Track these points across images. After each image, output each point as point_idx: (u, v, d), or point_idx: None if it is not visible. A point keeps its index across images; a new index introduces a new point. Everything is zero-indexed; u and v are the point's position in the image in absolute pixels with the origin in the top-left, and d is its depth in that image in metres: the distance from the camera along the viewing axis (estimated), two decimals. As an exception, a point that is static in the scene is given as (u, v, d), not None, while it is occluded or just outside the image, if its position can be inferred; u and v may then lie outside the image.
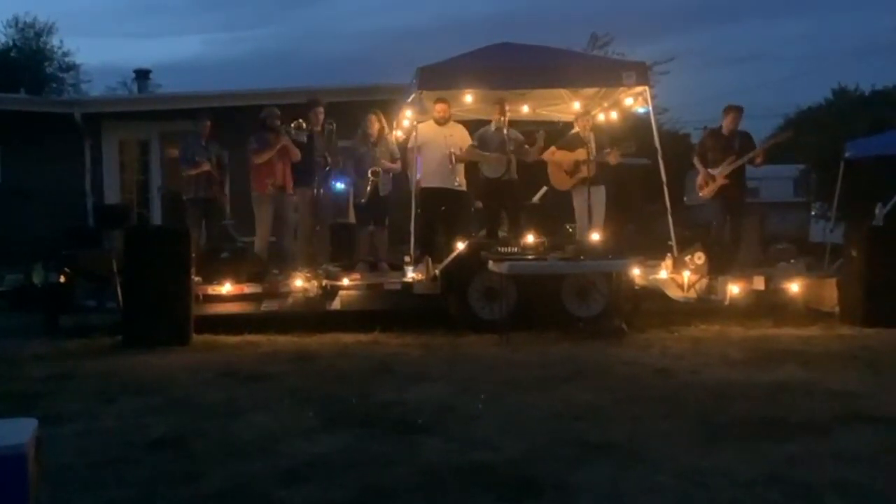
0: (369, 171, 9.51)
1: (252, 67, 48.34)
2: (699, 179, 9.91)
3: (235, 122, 10.95)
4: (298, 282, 8.77)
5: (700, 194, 10.01)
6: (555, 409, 5.28)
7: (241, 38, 70.50)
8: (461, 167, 9.75)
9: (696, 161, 9.96)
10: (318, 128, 9.57)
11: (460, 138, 9.73)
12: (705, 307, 8.91)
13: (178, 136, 11.13)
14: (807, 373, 6.30)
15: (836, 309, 8.90)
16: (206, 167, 9.77)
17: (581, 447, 4.39)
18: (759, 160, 9.71)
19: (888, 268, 8.48)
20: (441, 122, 9.69)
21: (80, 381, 6.33)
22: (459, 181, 9.75)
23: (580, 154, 9.59)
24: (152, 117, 14.59)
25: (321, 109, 9.64)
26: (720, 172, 9.60)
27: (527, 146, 9.70)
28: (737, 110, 9.77)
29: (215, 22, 78.10)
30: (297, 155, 9.37)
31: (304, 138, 9.39)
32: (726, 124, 9.78)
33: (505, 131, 9.61)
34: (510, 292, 8.39)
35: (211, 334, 8.19)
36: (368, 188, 9.52)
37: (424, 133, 9.62)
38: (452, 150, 9.53)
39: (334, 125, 9.58)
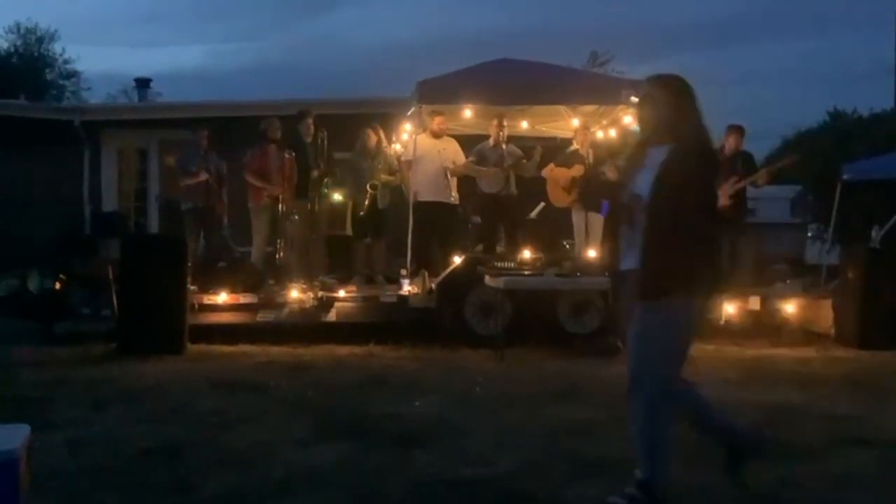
0: (368, 185, 9.53)
1: (254, 78, 48.37)
2: None
3: (234, 132, 10.96)
4: (294, 293, 8.76)
5: None
6: (549, 425, 5.27)
7: (243, 49, 70.49)
8: (455, 181, 9.78)
9: None
10: (309, 139, 9.59)
11: (453, 152, 9.75)
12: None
13: (177, 146, 11.13)
14: (802, 394, 6.29)
15: (832, 330, 8.90)
16: (203, 177, 9.78)
17: (574, 463, 4.38)
18: (761, 182, 9.73)
19: (884, 290, 8.50)
20: (438, 135, 9.71)
21: (73, 388, 6.31)
22: (454, 195, 9.77)
23: (578, 170, 9.60)
24: (151, 126, 14.59)
25: (311, 121, 9.66)
26: (723, 193, 9.58)
27: (524, 161, 9.73)
28: (739, 130, 9.79)
29: (218, 33, 78.23)
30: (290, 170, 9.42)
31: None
32: (729, 144, 9.79)
33: (503, 147, 9.63)
34: (506, 307, 8.39)
35: (205, 344, 8.17)
36: (367, 201, 9.54)
37: (419, 146, 9.64)
38: (446, 165, 9.55)
39: (325, 134, 9.58)
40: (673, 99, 3.68)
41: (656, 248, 3.57)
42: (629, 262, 3.71)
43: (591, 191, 9.00)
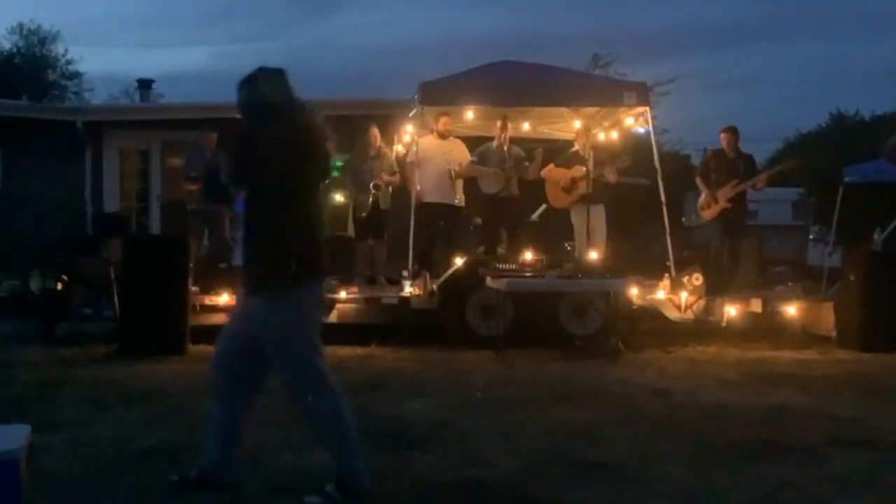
0: (371, 185, 9.52)
1: (257, 80, 48.32)
2: (702, 200, 9.92)
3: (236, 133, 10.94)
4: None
5: (702, 214, 10.02)
6: (550, 427, 5.27)
7: (245, 50, 70.61)
8: (460, 183, 9.76)
9: (698, 181, 9.98)
10: None
11: (459, 154, 9.74)
12: (702, 328, 8.91)
13: (179, 146, 11.13)
14: (803, 396, 6.29)
15: (834, 333, 8.89)
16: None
17: (575, 466, 4.38)
18: (761, 185, 9.73)
19: (886, 292, 8.49)
20: (444, 136, 9.69)
21: (75, 388, 6.31)
22: (459, 197, 9.76)
23: (577, 171, 9.58)
24: (153, 127, 14.60)
25: None
26: (723, 195, 9.60)
27: (526, 163, 9.72)
28: (731, 131, 9.78)
29: (222, 34, 78.25)
30: None
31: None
32: (724, 146, 9.81)
33: (505, 148, 9.61)
34: (507, 309, 8.38)
35: (207, 345, 8.11)
36: (370, 202, 9.54)
37: (425, 148, 9.63)
38: (451, 167, 9.55)
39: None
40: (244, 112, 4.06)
41: (245, 247, 3.97)
42: (237, 259, 4.00)
43: None
